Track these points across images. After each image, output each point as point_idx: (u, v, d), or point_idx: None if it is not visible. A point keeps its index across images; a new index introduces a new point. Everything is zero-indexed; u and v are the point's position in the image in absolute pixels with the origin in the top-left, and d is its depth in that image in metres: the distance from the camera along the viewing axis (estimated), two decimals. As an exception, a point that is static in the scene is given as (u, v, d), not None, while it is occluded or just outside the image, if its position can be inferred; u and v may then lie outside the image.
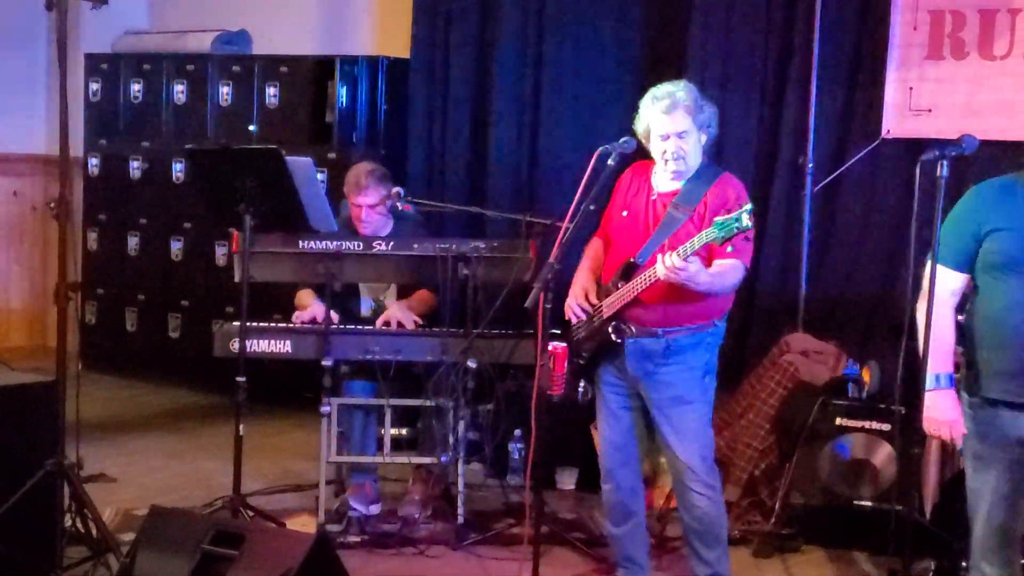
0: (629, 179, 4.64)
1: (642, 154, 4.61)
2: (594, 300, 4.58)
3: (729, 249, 4.19)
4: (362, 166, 5.72)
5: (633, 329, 4.45)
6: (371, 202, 5.57)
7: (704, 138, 4.48)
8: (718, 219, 4.05)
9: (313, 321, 5.44)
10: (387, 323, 5.46)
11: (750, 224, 3.99)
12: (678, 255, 4.12)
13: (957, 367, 3.93)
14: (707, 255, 4.28)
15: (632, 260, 4.42)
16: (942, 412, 3.85)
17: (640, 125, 4.50)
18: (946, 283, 3.81)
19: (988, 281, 3.79)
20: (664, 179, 4.51)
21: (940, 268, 3.78)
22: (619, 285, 4.44)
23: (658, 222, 4.44)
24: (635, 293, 4.37)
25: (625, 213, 4.57)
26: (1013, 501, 3.79)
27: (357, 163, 5.88)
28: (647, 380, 4.50)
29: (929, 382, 3.81)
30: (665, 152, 4.43)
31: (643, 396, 4.56)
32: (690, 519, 4.57)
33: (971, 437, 3.85)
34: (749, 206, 4.04)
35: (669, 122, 4.41)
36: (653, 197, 4.51)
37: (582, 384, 4.66)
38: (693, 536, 4.59)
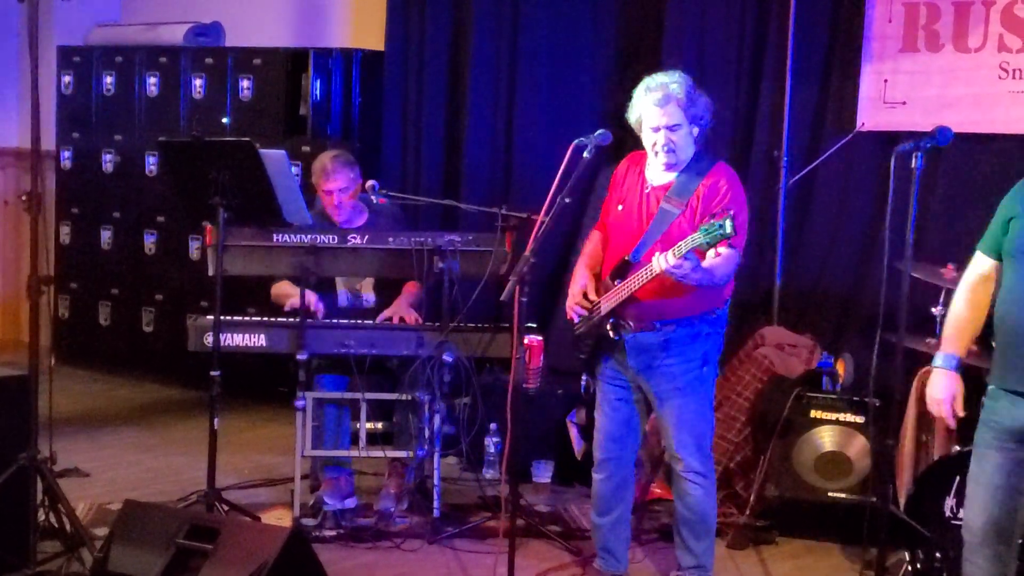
0: (625, 170, 4.62)
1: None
2: (592, 297, 4.57)
3: (721, 250, 4.07)
4: (327, 152, 5.73)
5: (631, 324, 4.45)
6: (340, 186, 5.56)
7: (696, 130, 4.47)
8: (703, 225, 4.05)
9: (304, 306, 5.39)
10: (389, 319, 5.46)
11: (734, 232, 3.96)
12: (672, 255, 4.10)
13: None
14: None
15: (626, 258, 4.41)
16: (935, 391, 3.94)
17: (632, 115, 4.49)
18: (974, 266, 3.94)
19: (1006, 269, 3.87)
20: (657, 171, 4.49)
21: (977, 253, 3.93)
22: (615, 283, 4.44)
23: (652, 217, 4.43)
24: (631, 291, 4.37)
25: (620, 207, 4.56)
26: (1006, 495, 3.79)
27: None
28: (647, 373, 4.52)
29: (934, 360, 3.95)
30: (655, 144, 4.42)
31: (644, 389, 4.57)
32: (683, 508, 4.61)
33: (980, 424, 3.89)
34: (732, 212, 4.00)
35: (661, 115, 4.39)
36: (647, 190, 4.49)
37: (584, 378, 4.67)
38: (683, 525, 4.63)
